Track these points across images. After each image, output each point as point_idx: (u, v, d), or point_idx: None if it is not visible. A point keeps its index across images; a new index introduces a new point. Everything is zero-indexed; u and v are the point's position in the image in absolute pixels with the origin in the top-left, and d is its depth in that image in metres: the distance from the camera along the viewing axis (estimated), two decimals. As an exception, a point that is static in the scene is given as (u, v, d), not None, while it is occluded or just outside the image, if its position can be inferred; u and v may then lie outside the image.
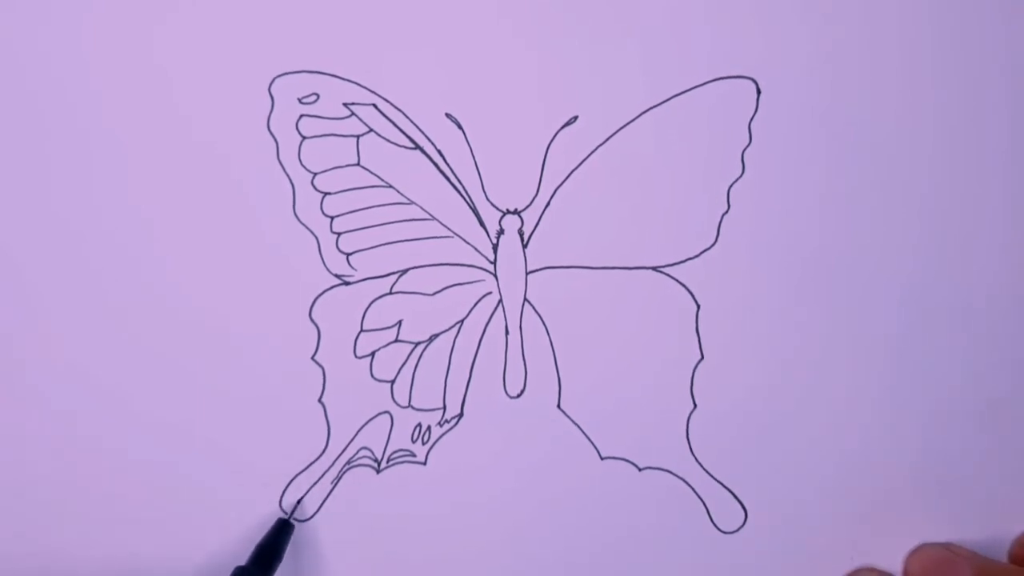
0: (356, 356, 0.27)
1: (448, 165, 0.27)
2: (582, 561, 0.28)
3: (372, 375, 0.28)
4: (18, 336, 0.27)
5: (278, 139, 0.27)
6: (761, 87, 0.27)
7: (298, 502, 0.27)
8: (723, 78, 0.27)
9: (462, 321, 0.28)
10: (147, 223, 0.27)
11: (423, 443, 0.28)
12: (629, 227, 0.28)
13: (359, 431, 0.28)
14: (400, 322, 0.28)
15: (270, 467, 0.27)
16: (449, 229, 0.28)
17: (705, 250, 0.27)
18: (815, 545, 0.28)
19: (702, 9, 0.27)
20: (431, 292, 0.28)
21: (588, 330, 0.28)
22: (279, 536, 0.27)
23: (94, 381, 0.27)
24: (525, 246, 0.28)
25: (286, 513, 0.27)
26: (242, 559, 0.26)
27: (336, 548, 0.28)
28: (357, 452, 0.28)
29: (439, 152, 0.27)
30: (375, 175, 0.27)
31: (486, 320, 0.28)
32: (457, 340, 0.28)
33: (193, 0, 0.27)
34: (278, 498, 0.27)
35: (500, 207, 0.27)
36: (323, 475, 0.28)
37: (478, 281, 0.28)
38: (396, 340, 0.28)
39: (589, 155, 0.27)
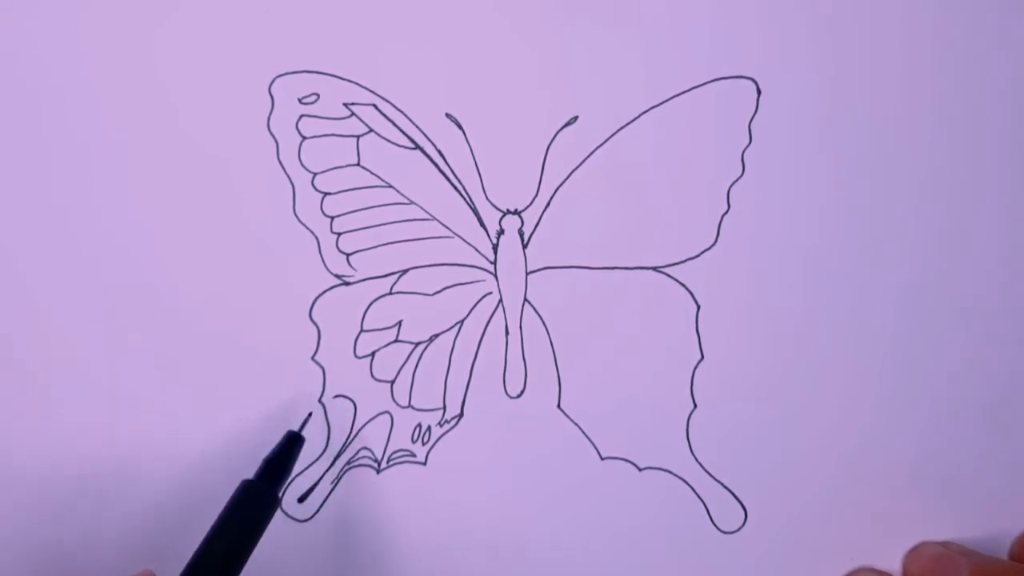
0: (356, 356, 0.27)
1: (448, 165, 0.27)
2: (582, 561, 0.28)
3: (372, 375, 0.28)
4: (18, 336, 0.27)
5: (278, 139, 0.27)
6: (761, 87, 0.27)
7: (304, 423, 0.27)
8: (723, 78, 0.27)
9: (462, 321, 0.28)
10: (147, 223, 0.27)
11: (423, 443, 0.28)
12: (629, 227, 0.28)
13: (359, 431, 0.28)
14: (400, 322, 0.28)
15: (270, 467, 0.27)
16: (449, 229, 0.27)
17: (705, 250, 0.27)
18: (815, 545, 0.28)
19: (702, 9, 0.27)
20: (431, 292, 0.28)
21: (588, 330, 0.28)
22: (288, 448, 0.26)
23: (94, 381, 0.27)
24: (525, 246, 0.28)
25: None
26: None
27: (336, 548, 0.28)
28: (357, 452, 0.28)
29: (439, 152, 0.27)
30: (375, 175, 0.27)
31: (486, 320, 0.28)
32: (457, 340, 0.28)
33: (193, 0, 0.27)
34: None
35: (500, 207, 0.27)
36: (323, 475, 0.28)
37: (478, 281, 0.28)
38: (396, 340, 0.28)
39: (589, 155, 0.27)
